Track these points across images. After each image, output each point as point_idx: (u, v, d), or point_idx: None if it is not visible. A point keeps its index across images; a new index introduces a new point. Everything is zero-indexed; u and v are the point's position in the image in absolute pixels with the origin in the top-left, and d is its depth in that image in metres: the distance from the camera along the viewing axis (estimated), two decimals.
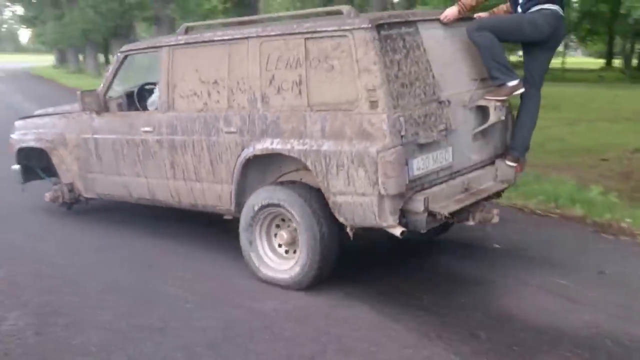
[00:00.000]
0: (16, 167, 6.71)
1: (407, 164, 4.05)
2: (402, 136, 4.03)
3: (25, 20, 48.75)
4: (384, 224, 4.15)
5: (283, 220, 4.64)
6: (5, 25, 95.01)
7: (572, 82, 32.18)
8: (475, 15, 5.04)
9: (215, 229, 6.01)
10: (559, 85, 30.39)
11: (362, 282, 4.66)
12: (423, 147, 4.23)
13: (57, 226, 6.11)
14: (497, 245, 5.57)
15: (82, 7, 27.94)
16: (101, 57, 42.31)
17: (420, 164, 4.22)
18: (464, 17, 4.84)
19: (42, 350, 3.54)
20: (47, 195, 6.52)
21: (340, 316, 4.07)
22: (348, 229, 4.37)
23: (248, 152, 4.61)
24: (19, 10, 53.55)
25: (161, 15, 22.73)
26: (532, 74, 5.04)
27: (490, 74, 4.76)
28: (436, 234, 5.59)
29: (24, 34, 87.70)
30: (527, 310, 4.17)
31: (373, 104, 4.02)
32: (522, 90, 4.81)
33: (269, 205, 4.55)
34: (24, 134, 6.65)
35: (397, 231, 4.16)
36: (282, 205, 4.46)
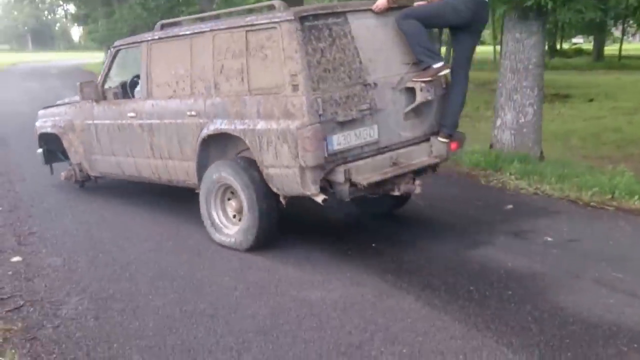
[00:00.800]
0: (39, 150, 7.68)
1: (325, 139, 4.63)
2: (320, 115, 4.60)
3: (77, 19, 49.74)
4: (307, 193, 4.76)
5: (233, 192, 5.33)
6: (58, 24, 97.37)
7: (630, 70, 31.31)
8: (416, 4, 5.43)
9: None
10: (615, 73, 29.68)
11: (406, 273, 4.70)
12: (344, 125, 4.78)
13: (109, 215, 6.30)
14: (549, 238, 5.51)
15: (131, 4, 28.48)
16: None
17: (341, 140, 4.79)
18: (395, 7, 5.27)
19: (101, 334, 3.70)
20: (63, 174, 7.44)
21: (386, 306, 4.11)
22: (281, 198, 5.04)
23: (204, 132, 5.33)
24: (72, 8, 54.76)
25: (207, 10, 22.99)
26: (458, 56, 5.59)
27: (417, 58, 5.26)
28: (393, 208, 6.24)
29: (76, 32, 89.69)
30: (580, 304, 4.14)
31: (295, 88, 4.63)
32: (446, 71, 5.34)
33: (218, 179, 5.29)
34: (44, 121, 7.58)
35: (319, 199, 4.75)
36: (228, 178, 5.20)
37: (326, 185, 4.80)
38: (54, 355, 3.43)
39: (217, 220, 5.47)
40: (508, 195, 7.16)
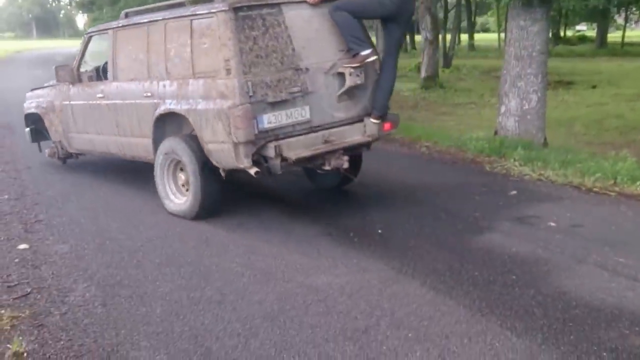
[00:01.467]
0: (27, 129, 8.30)
1: (255, 118, 5.13)
2: (250, 96, 5.11)
3: (82, 6, 49.61)
4: (241, 165, 5.25)
5: (182, 166, 5.86)
6: (63, 11, 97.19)
7: (633, 57, 31.18)
8: None
9: (266, 206, 6.14)
10: (618, 60, 29.56)
11: (411, 259, 4.70)
12: (275, 105, 5.28)
13: (115, 203, 6.31)
14: (552, 224, 5.51)
15: None
16: None
17: (272, 119, 5.29)
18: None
19: (108, 320, 3.70)
20: (47, 151, 8.05)
21: (392, 291, 4.12)
22: (221, 171, 5.54)
23: (157, 112, 5.84)
24: None
25: None
26: (388, 45, 6.18)
27: (348, 45, 5.74)
28: (341, 184, 6.75)
29: (81, 20, 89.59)
30: (583, 288, 4.14)
31: (228, 72, 5.14)
32: (373, 57, 5.80)
33: (168, 154, 5.85)
34: (30, 102, 8.19)
35: (252, 171, 5.23)
36: (176, 153, 5.76)
37: (260, 159, 5.30)
38: (62, 342, 3.44)
39: (169, 192, 6.05)
40: (512, 181, 7.15)
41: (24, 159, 8.63)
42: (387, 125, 6.15)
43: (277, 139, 5.30)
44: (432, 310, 3.83)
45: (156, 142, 6.01)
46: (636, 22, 51.20)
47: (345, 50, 5.79)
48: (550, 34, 14.52)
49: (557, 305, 3.90)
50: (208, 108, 5.30)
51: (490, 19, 71.07)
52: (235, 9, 5.18)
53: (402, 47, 6.61)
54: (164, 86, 5.78)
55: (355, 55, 5.72)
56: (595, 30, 46.57)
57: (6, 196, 6.55)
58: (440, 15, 30.36)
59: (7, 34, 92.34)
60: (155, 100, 5.86)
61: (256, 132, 5.15)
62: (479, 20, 65.61)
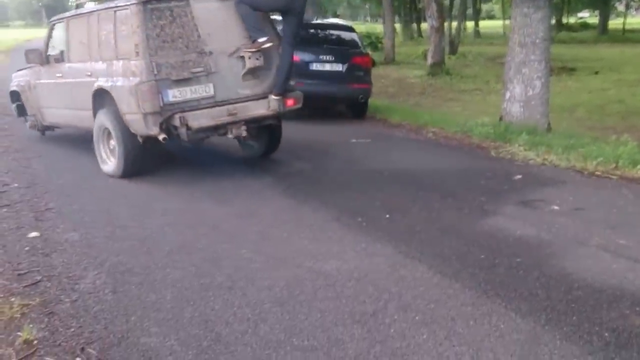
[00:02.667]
0: (13, 105, 9.24)
1: (160, 93, 6.05)
2: (155, 75, 6.03)
3: None
4: (151, 132, 6.17)
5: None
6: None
7: (633, 43, 30.89)
8: None
9: (276, 193, 6.10)
10: (619, 46, 29.30)
11: (418, 243, 4.67)
12: (179, 83, 6.18)
13: (125, 191, 6.27)
14: (556, 207, 5.46)
15: None
16: None
17: (176, 94, 6.19)
18: None
19: (118, 307, 3.67)
20: (28, 124, 9.03)
21: (400, 275, 4.08)
22: (139, 137, 6.43)
23: (93, 88, 6.76)
24: None
25: None
26: (285, 34, 7.07)
27: (249, 33, 6.74)
28: (264, 154, 7.70)
29: (89, 8, 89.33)
30: (585, 270, 4.11)
31: (137, 54, 6.11)
32: (269, 44, 6.72)
33: (100, 124, 6.85)
34: (13, 82, 9.16)
35: (160, 137, 6.12)
36: (106, 122, 6.72)
37: (170, 128, 6.16)
38: (72, 330, 3.41)
39: (103, 156, 7.02)
40: (517, 166, 7.10)
41: (35, 147, 8.61)
42: (289, 102, 7.02)
43: (182, 111, 6.16)
44: (439, 293, 3.80)
45: (95, 114, 6.94)
46: (637, 9, 50.81)
47: (248, 37, 6.75)
48: (552, 21, 14.39)
49: (560, 286, 3.86)
50: (124, 85, 6.23)
51: (495, 6, 70.53)
52: (144, 3, 6.14)
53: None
54: (99, 66, 6.74)
55: (254, 41, 6.70)
56: (597, 17, 46.15)
57: (17, 184, 6.52)
58: (446, 2, 30.13)
59: (17, 22, 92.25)
60: (93, 79, 6.79)
61: (161, 104, 6.09)
62: (484, 7, 65.15)
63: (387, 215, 5.36)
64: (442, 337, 3.24)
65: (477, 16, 48.25)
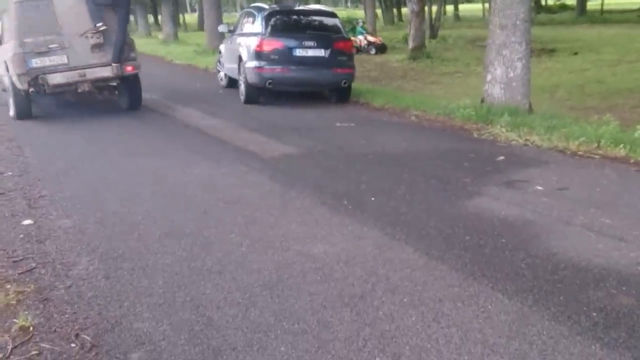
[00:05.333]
0: None
1: (26, 61, 9.05)
2: (22, 48, 9.08)
3: None
4: (23, 87, 9.17)
5: None
6: None
7: (612, 24, 30.98)
8: None
9: (263, 177, 6.06)
10: (597, 27, 29.34)
11: (404, 225, 4.64)
12: (41, 54, 9.14)
13: (114, 176, 6.19)
14: (539, 187, 5.46)
15: None
16: (150, 18, 42.25)
17: (38, 62, 9.15)
18: None
19: (111, 293, 3.62)
20: None
21: (386, 257, 4.06)
22: (21, 91, 9.31)
23: (3, 60, 9.65)
24: None
25: None
26: (118, 21, 9.60)
27: (93, 20, 9.50)
28: (130, 107, 10.46)
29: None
30: (571, 249, 4.10)
31: (8, 37, 9.44)
32: (104, 28, 9.41)
33: (6, 82, 9.90)
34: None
35: (29, 90, 9.23)
36: (5, 82, 9.85)
37: (38, 84, 9.18)
38: (67, 316, 3.36)
39: (10, 104, 9.88)
40: (499, 147, 7.10)
41: (27, 136, 8.49)
42: (128, 68, 9.72)
43: (44, 73, 9.15)
44: (426, 275, 3.78)
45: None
46: None
47: (92, 23, 9.47)
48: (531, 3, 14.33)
49: (546, 266, 3.86)
50: (7, 57, 9.32)
51: None
52: (18, 4, 9.27)
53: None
54: (4, 47, 9.67)
55: (94, 26, 9.41)
56: None
57: (10, 173, 6.42)
58: None
59: None
60: (4, 55, 9.60)
61: (27, 69, 9.06)
62: None
63: (373, 198, 5.33)
64: (430, 319, 3.22)
65: (456, 0, 48.12)
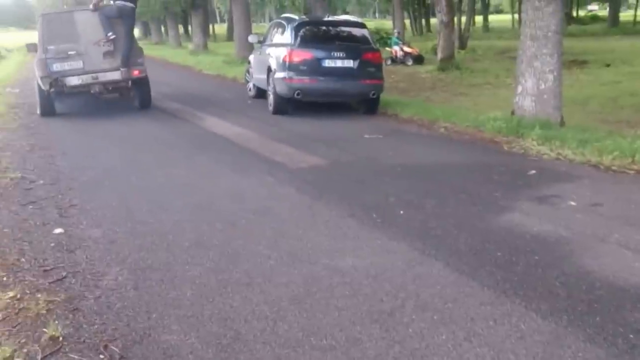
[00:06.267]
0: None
1: (49, 65, 10.34)
2: (45, 54, 10.38)
3: None
4: (46, 87, 10.46)
5: None
6: (94, 1, 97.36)
7: None
8: (91, 5, 11.11)
9: (292, 189, 6.03)
10: (630, 38, 28.90)
11: (434, 240, 4.57)
12: (61, 59, 10.44)
13: (145, 187, 6.22)
14: (572, 203, 5.35)
15: None
16: (181, 29, 42.74)
17: (58, 67, 10.43)
18: (100, 7, 11.05)
19: (140, 304, 3.61)
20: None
21: (416, 273, 3.99)
22: (45, 90, 10.59)
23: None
24: None
25: None
26: (124, 30, 11.09)
27: (104, 31, 10.78)
28: (141, 106, 11.79)
29: None
30: (606, 268, 3.99)
31: (30, 46, 11.53)
32: (113, 36, 10.79)
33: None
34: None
35: (50, 90, 10.48)
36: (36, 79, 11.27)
37: (58, 85, 10.47)
38: (96, 326, 3.36)
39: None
40: (530, 161, 6.98)
41: (59, 145, 8.59)
42: (135, 72, 10.98)
43: (63, 76, 10.45)
44: (457, 291, 3.70)
45: None
46: None
47: (106, 33, 10.78)
48: None
49: (581, 285, 3.75)
50: (35, 61, 10.93)
51: (503, 1, 69.84)
52: (43, 15, 11.11)
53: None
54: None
55: (106, 35, 10.74)
56: (607, 10, 45.56)
57: (42, 181, 6.49)
58: None
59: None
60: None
61: (49, 72, 10.37)
62: (493, 1, 64.56)
63: (402, 211, 5.27)
64: (462, 338, 3.15)
65: (485, 11, 47.85)
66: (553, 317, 3.35)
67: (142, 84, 11.44)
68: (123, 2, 11.05)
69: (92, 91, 10.87)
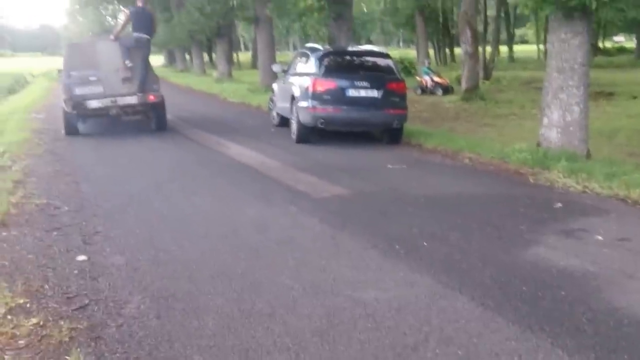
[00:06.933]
0: None
1: (71, 89, 11.35)
2: (69, 80, 11.47)
3: None
4: (69, 110, 11.52)
5: None
6: (114, 32, 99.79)
7: None
8: (111, 37, 12.58)
9: (315, 219, 6.04)
10: None
11: (458, 273, 4.54)
12: (83, 84, 11.36)
13: (169, 214, 6.27)
14: (599, 237, 5.29)
15: (188, 9, 28.71)
16: (205, 57, 43.35)
17: (80, 91, 11.34)
18: (120, 37, 12.27)
19: (162, 333, 3.63)
20: None
21: (440, 306, 3.97)
22: (70, 111, 11.64)
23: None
24: None
25: (260, 14, 22.95)
26: (141, 59, 12.03)
27: (123, 59, 11.80)
28: (158, 129, 12.67)
29: None
30: (635, 304, 3.94)
31: (60, 72, 12.14)
32: (130, 64, 11.74)
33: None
34: None
35: (73, 112, 11.60)
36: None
37: (81, 108, 11.44)
38: (117, 355, 3.38)
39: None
40: (556, 194, 6.93)
41: (84, 171, 8.71)
42: (151, 97, 11.93)
43: (84, 99, 11.37)
44: (481, 326, 3.67)
45: None
46: None
47: (124, 61, 11.78)
48: None
49: (609, 322, 3.70)
50: (61, 84, 12.21)
51: (528, 31, 69.95)
52: (69, 45, 12.83)
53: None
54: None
55: (124, 62, 11.75)
56: (634, 42, 45.39)
57: (67, 208, 6.57)
58: (479, 28, 29.97)
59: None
60: None
61: (71, 95, 11.36)
62: (518, 32, 64.67)
63: (425, 243, 5.26)
64: None
65: (510, 41, 47.91)
66: (580, 354, 3.31)
67: (158, 107, 12.37)
68: (139, 34, 12.06)
69: (110, 113, 11.83)
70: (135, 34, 12.10)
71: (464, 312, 3.88)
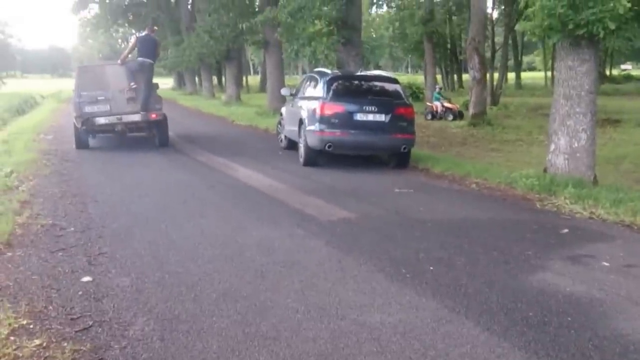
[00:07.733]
0: None
1: (81, 107, 12.63)
2: (79, 99, 12.69)
3: None
4: (79, 125, 12.81)
5: None
6: (121, 56, 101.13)
7: None
8: (119, 61, 13.63)
9: (320, 242, 6.04)
10: None
11: (464, 298, 4.53)
12: (92, 103, 12.65)
13: (176, 236, 6.29)
14: (606, 263, 5.27)
15: (198, 33, 28.99)
16: (215, 80, 43.69)
17: (89, 109, 12.66)
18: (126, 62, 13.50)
19: (166, 355, 3.62)
20: None
21: (445, 331, 3.96)
22: (81, 128, 12.96)
23: None
24: None
25: (269, 39, 23.16)
26: (144, 81, 13.15)
27: (128, 81, 12.97)
28: (160, 144, 13.82)
29: None
30: None
31: (74, 92, 12.98)
32: (135, 86, 12.92)
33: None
34: None
35: (82, 127, 12.87)
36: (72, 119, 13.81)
37: (89, 124, 12.68)
38: None
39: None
40: (563, 219, 6.91)
41: (91, 192, 8.74)
42: (153, 115, 13.01)
43: (93, 117, 12.59)
44: (487, 351, 3.65)
45: None
46: None
47: (129, 82, 12.96)
48: None
49: (615, 348, 3.69)
50: (72, 103, 13.27)
51: (536, 58, 70.27)
52: (80, 68, 13.98)
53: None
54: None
55: (129, 84, 12.88)
56: None
57: (72, 228, 6.59)
58: (487, 54, 30.14)
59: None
60: None
61: (81, 113, 12.54)
62: (525, 59, 64.97)
63: (431, 268, 5.24)
64: None
65: (518, 68, 48.11)
66: None
67: (160, 125, 13.66)
68: (143, 59, 13.42)
69: (116, 129, 13.12)
70: (140, 59, 13.46)
71: (470, 337, 3.86)
